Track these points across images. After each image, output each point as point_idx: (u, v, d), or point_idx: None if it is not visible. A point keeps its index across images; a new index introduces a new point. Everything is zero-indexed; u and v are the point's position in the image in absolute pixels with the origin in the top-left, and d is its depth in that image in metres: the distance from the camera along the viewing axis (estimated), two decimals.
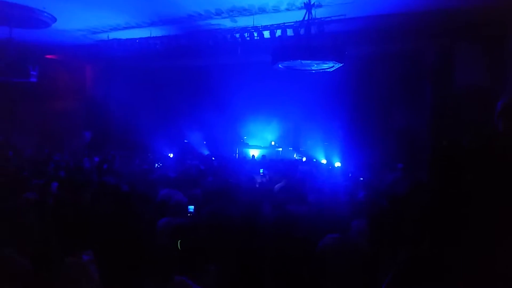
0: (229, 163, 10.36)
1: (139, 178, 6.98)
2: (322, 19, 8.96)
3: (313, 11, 8.10)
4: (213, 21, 10.27)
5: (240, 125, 15.31)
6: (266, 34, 10.21)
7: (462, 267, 2.12)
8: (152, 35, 11.45)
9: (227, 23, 10.35)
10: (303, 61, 7.44)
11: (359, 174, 8.57)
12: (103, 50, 12.30)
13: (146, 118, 14.49)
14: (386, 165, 9.75)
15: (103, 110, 15.65)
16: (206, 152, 14.99)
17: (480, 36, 9.72)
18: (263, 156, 13.47)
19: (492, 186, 2.24)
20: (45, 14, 9.70)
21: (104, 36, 11.77)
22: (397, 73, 12.03)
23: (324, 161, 13.10)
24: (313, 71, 8.32)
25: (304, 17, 8.03)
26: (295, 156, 14.56)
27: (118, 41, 11.82)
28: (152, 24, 10.73)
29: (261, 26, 10.12)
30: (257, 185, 7.40)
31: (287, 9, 9.14)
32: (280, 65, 7.85)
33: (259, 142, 15.61)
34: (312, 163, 12.60)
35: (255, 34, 10.26)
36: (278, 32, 9.99)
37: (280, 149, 15.21)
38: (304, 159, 13.78)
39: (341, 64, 7.48)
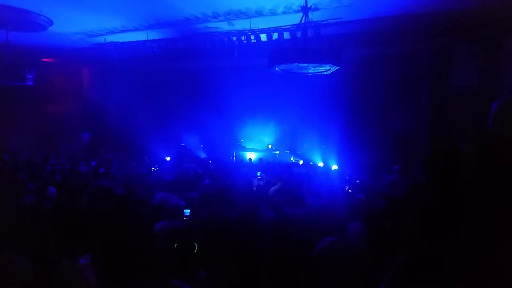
0: (226, 166, 10.34)
1: (136, 182, 6.95)
2: (319, 22, 8.98)
3: (310, 14, 8.11)
4: (210, 24, 10.28)
5: (237, 128, 15.32)
6: (263, 37, 10.23)
7: (460, 268, 2.12)
8: (149, 38, 11.45)
9: (224, 26, 10.36)
10: (300, 64, 7.45)
11: (356, 176, 8.58)
12: (100, 53, 12.28)
13: (143, 121, 14.47)
14: (384, 167, 9.77)
15: (100, 113, 15.63)
16: (203, 155, 14.98)
17: (477, 37, 9.77)
18: (260, 159, 13.46)
19: (489, 186, 2.24)
20: (42, 17, 9.69)
21: (101, 39, 11.76)
22: (394, 75, 12.06)
23: (321, 164, 13.11)
24: (310, 74, 8.33)
25: (301, 20, 8.05)
26: (292, 159, 14.56)
27: (115, 44, 11.81)
28: (149, 27, 10.73)
29: (258, 29, 10.14)
30: (254, 188, 7.40)
31: (284, 12, 9.16)
32: (277, 68, 7.85)
33: (256, 145, 15.61)
34: (309, 166, 12.60)
35: (252, 37, 10.28)
36: (275, 35, 10.02)
37: (277, 152, 15.22)
38: (301, 162, 13.78)
39: (338, 67, 7.49)
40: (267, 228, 4.36)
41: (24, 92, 12.42)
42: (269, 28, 10.04)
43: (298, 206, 4.91)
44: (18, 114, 13.75)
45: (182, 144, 15.78)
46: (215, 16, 9.68)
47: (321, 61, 7.37)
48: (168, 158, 13.61)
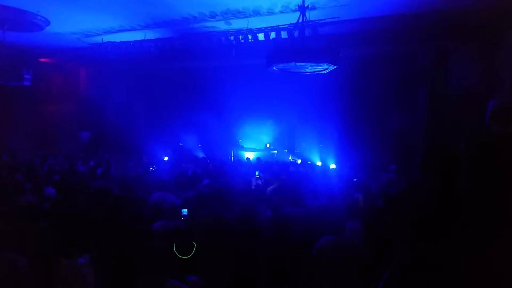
0: (225, 166, 10.34)
1: (133, 182, 6.94)
2: (316, 21, 8.99)
3: (307, 14, 8.12)
4: (208, 24, 10.27)
5: (235, 127, 15.32)
6: (261, 36, 10.23)
7: (457, 267, 2.12)
8: (146, 38, 11.44)
9: (221, 25, 10.35)
10: (297, 64, 7.44)
11: (354, 176, 8.59)
12: (97, 53, 12.27)
13: (141, 121, 14.46)
14: (381, 166, 9.78)
15: (97, 113, 15.61)
16: (201, 155, 14.97)
17: (475, 37, 9.78)
18: (258, 159, 13.46)
19: (486, 186, 2.25)
20: (39, 17, 9.66)
21: (98, 39, 11.73)
22: (392, 75, 12.06)
23: (319, 163, 13.12)
24: (308, 73, 8.32)
25: (298, 20, 8.04)
26: (290, 158, 14.57)
27: (112, 44, 11.79)
28: (146, 26, 10.71)
29: (256, 28, 10.13)
30: (253, 188, 7.40)
31: (282, 12, 9.16)
32: (274, 68, 7.85)
33: (254, 145, 15.61)
34: (307, 165, 12.61)
35: (250, 37, 10.27)
36: (273, 35, 10.02)
37: (275, 151, 15.22)
38: (299, 161, 13.79)
39: (335, 66, 7.49)
40: (266, 227, 4.37)
41: (22, 92, 12.40)
42: (267, 27, 10.04)
43: (296, 205, 4.92)
44: (15, 114, 13.73)
45: (180, 144, 15.77)
46: (213, 16, 9.67)
47: (318, 61, 7.37)
48: (166, 158, 13.60)
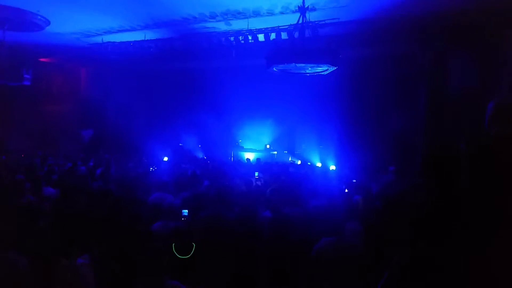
0: (224, 167, 10.34)
1: (133, 182, 6.94)
2: (316, 22, 9.00)
3: (307, 15, 8.12)
4: (208, 24, 10.27)
5: (235, 128, 15.31)
6: (261, 37, 10.23)
7: (457, 267, 2.12)
8: (146, 38, 11.44)
9: (221, 26, 10.36)
10: (297, 65, 7.45)
11: (353, 177, 8.59)
12: (97, 53, 12.27)
13: (141, 121, 14.46)
14: (381, 167, 9.78)
15: (97, 113, 15.60)
16: (201, 155, 14.97)
17: (474, 39, 9.79)
18: (258, 159, 13.47)
19: (486, 187, 2.25)
20: (39, 17, 9.67)
21: (98, 39, 11.74)
22: (392, 76, 12.06)
23: (319, 164, 13.11)
24: (308, 74, 8.33)
25: (298, 21, 8.06)
26: (290, 159, 14.57)
27: (112, 44, 11.80)
28: (146, 27, 10.71)
29: (256, 29, 10.14)
30: (253, 188, 7.40)
31: (282, 13, 9.17)
32: (274, 69, 7.85)
33: (254, 145, 15.61)
34: (307, 166, 12.61)
35: (250, 38, 10.28)
36: (273, 36, 10.02)
37: (275, 152, 15.22)
38: (299, 162, 13.79)
39: (335, 67, 7.50)
40: (265, 228, 4.37)
41: (22, 92, 12.40)
42: (267, 28, 10.05)
43: (296, 206, 4.92)
44: (15, 114, 13.73)
45: (180, 144, 15.77)
46: (213, 16, 9.67)
47: (318, 61, 7.38)
48: (166, 158, 13.59)
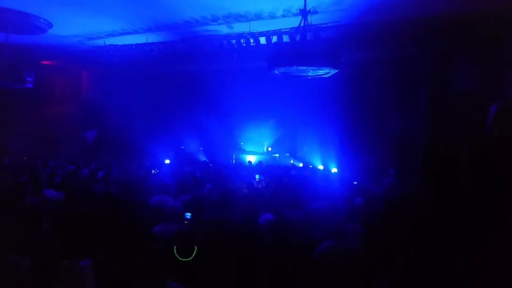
0: (226, 169, 10.34)
1: (135, 185, 6.95)
2: (318, 25, 9.00)
3: (308, 18, 8.13)
4: (210, 27, 10.30)
5: (237, 131, 15.32)
6: (262, 40, 10.25)
7: (458, 268, 2.12)
8: (148, 41, 11.46)
9: (223, 29, 10.38)
10: (299, 67, 7.46)
11: (355, 179, 8.59)
12: (99, 56, 12.30)
13: (143, 124, 14.47)
14: (382, 170, 9.78)
15: (99, 116, 15.62)
16: (203, 158, 14.97)
17: (475, 41, 9.79)
18: (260, 162, 13.46)
19: (488, 189, 2.25)
20: (41, 19, 9.70)
21: (100, 42, 11.77)
22: (393, 78, 12.06)
23: (320, 167, 13.11)
24: (309, 77, 8.34)
25: (300, 24, 8.06)
26: (291, 161, 14.56)
27: (115, 47, 11.83)
28: (148, 30, 10.74)
29: (257, 32, 10.16)
30: (255, 191, 7.39)
31: (283, 16, 9.18)
32: (276, 71, 7.86)
33: (255, 148, 15.61)
34: (309, 168, 12.60)
35: (251, 40, 10.30)
36: (274, 38, 10.04)
37: (277, 155, 15.21)
38: (300, 164, 13.78)
39: (337, 70, 7.50)
40: (267, 231, 4.37)
41: (24, 94, 12.42)
42: (268, 31, 10.07)
43: (297, 208, 4.92)
44: (17, 117, 13.75)
45: (182, 147, 15.78)
46: (215, 19, 9.70)
47: (320, 64, 7.38)
48: (168, 161, 13.60)
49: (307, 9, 8.05)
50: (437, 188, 2.50)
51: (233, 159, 15.17)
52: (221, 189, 5.73)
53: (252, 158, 14.71)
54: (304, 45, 8.10)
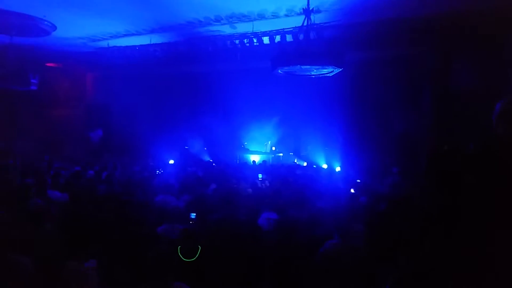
0: (230, 169, 10.35)
1: (139, 185, 6.97)
2: (321, 24, 8.99)
3: (312, 17, 8.12)
4: (213, 28, 10.31)
5: (240, 130, 15.31)
6: (266, 40, 10.25)
7: (462, 268, 2.11)
8: (152, 42, 11.49)
9: (226, 29, 10.39)
10: (302, 67, 7.46)
11: (359, 178, 8.57)
12: (103, 57, 12.34)
13: (147, 124, 14.49)
14: (386, 169, 9.75)
15: (103, 117, 15.68)
16: (207, 158, 14.99)
17: (477, 39, 9.74)
18: (264, 162, 13.46)
19: (492, 189, 2.23)
20: (45, 22, 9.75)
21: (104, 43, 11.81)
22: (397, 78, 12.02)
23: (325, 166, 13.09)
24: (313, 76, 8.33)
25: (303, 23, 8.05)
26: (295, 161, 14.55)
27: (118, 48, 11.87)
28: (151, 31, 10.77)
29: (261, 32, 10.16)
30: (259, 190, 7.40)
31: (286, 15, 9.18)
32: (279, 71, 7.86)
33: (259, 148, 15.61)
34: (313, 168, 12.59)
35: (255, 40, 10.30)
36: (278, 38, 10.04)
37: (281, 154, 15.21)
38: (304, 164, 13.77)
39: (341, 69, 7.49)
40: (271, 230, 4.36)
41: (28, 96, 12.48)
42: (272, 31, 10.06)
43: (302, 208, 4.91)
44: (22, 119, 13.82)
45: (186, 147, 15.80)
46: (218, 20, 9.70)
47: (323, 63, 7.38)
48: (172, 162, 13.62)
49: (310, 8, 8.04)
50: (441, 187, 2.48)
51: (237, 159, 15.17)
52: (226, 189, 5.73)
53: (256, 158, 14.72)
54: (307, 44, 8.08)
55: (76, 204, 5.20)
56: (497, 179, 2.22)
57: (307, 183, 7.24)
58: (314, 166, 13.13)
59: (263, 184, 8.16)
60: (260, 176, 8.69)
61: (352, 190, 6.79)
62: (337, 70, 7.61)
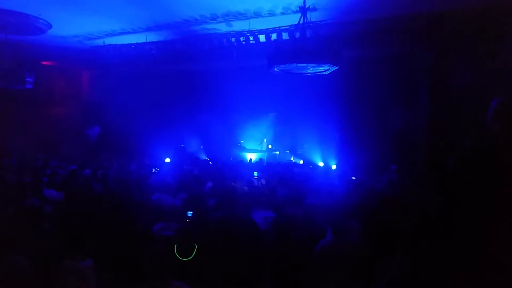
0: (227, 167, 10.34)
1: (135, 184, 6.95)
2: (318, 22, 8.98)
3: (308, 15, 8.11)
4: (209, 26, 10.29)
5: (237, 129, 15.30)
6: (262, 38, 10.24)
7: (459, 267, 2.12)
8: (148, 40, 11.46)
9: (222, 27, 10.37)
10: (298, 65, 7.46)
11: (355, 176, 8.59)
12: (99, 55, 12.30)
13: (143, 123, 14.45)
14: (383, 167, 9.77)
15: (99, 116, 15.63)
16: (203, 156, 14.97)
17: (475, 37, 9.77)
18: (260, 160, 13.47)
19: (489, 185, 2.25)
20: (41, 20, 9.70)
21: (99, 42, 11.77)
22: (393, 76, 12.04)
23: (321, 164, 13.11)
24: (309, 74, 8.33)
25: (299, 21, 8.05)
26: (292, 159, 14.57)
27: (114, 46, 11.83)
28: (147, 29, 10.74)
29: (257, 30, 10.15)
30: (255, 189, 7.40)
31: (282, 13, 9.17)
32: (276, 69, 7.86)
33: (256, 146, 15.61)
34: (309, 166, 12.60)
35: (251, 38, 10.29)
36: (274, 36, 10.03)
37: (277, 152, 15.21)
38: (301, 162, 13.79)
39: (337, 67, 7.50)
40: (269, 228, 4.37)
41: (24, 95, 12.43)
42: (268, 29, 10.05)
43: (299, 206, 4.91)
44: (17, 118, 13.76)
45: (182, 145, 15.78)
46: (214, 18, 9.68)
47: (320, 61, 7.38)
48: (168, 160, 13.61)
49: (307, 6, 8.04)
50: (437, 185, 2.49)
51: (233, 157, 15.17)
52: (223, 188, 5.73)
53: (252, 156, 14.72)
54: (303, 42, 8.08)
55: (72, 203, 5.19)
56: (493, 176, 2.23)
57: (304, 182, 7.24)
58: (311, 166, 13.13)
59: (259, 182, 8.16)
60: (255, 174, 8.68)
61: (349, 188, 6.80)
62: (333, 68, 7.62)
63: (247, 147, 15.57)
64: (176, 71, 15.20)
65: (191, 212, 4.60)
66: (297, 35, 8.47)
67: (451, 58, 10.80)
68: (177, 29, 10.55)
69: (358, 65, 11.59)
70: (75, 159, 11.95)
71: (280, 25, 9.79)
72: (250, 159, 14.14)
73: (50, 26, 10.13)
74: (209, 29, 10.51)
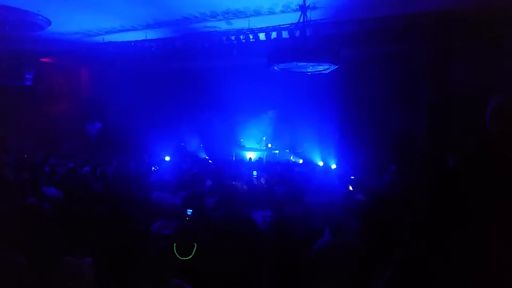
0: (226, 166, 10.34)
1: (135, 182, 6.95)
2: (317, 21, 8.98)
3: (308, 13, 8.11)
4: (209, 24, 10.27)
5: (236, 127, 15.30)
6: (262, 36, 10.22)
7: (458, 267, 2.12)
8: (147, 38, 11.44)
9: (222, 25, 10.35)
10: (298, 63, 7.46)
11: (354, 175, 8.59)
12: (98, 53, 12.27)
13: (142, 121, 14.46)
14: (382, 166, 9.78)
15: (99, 113, 15.62)
16: (203, 155, 14.98)
17: (475, 37, 9.77)
18: (260, 159, 13.47)
19: (488, 186, 2.24)
20: (40, 17, 9.68)
21: (99, 39, 11.74)
22: (393, 75, 12.05)
23: (320, 163, 13.11)
24: (309, 73, 8.34)
25: (299, 19, 8.05)
26: (291, 158, 14.57)
27: (113, 44, 11.80)
28: (147, 26, 10.71)
29: (257, 28, 10.13)
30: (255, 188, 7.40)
31: (282, 12, 9.15)
32: (275, 67, 7.86)
33: (255, 145, 15.61)
34: (309, 165, 12.60)
35: (251, 37, 10.27)
36: (274, 34, 10.01)
37: (277, 151, 15.21)
38: (300, 161, 13.79)
39: (336, 66, 7.50)
40: (268, 227, 4.37)
41: (23, 92, 12.42)
42: (268, 27, 10.04)
43: (299, 205, 4.92)
44: (17, 114, 13.74)
45: (182, 144, 15.78)
46: (214, 16, 9.67)
47: (319, 60, 7.39)
48: (168, 158, 13.61)
49: (307, 5, 8.03)
50: (435, 185, 2.49)
51: (233, 156, 15.17)
52: (222, 186, 5.73)
53: (252, 155, 14.72)
54: (303, 41, 8.09)
55: (71, 201, 5.18)
56: (493, 176, 2.23)
57: (304, 181, 7.24)
58: (310, 162, 13.13)
59: (259, 182, 8.16)
60: (254, 173, 8.68)
61: (350, 188, 6.81)
62: (333, 67, 7.62)
63: (247, 146, 15.57)
64: (175, 69, 15.20)
65: (191, 211, 4.60)
66: (297, 33, 8.47)
67: (451, 57, 10.81)
68: (176, 26, 10.54)
69: (358, 64, 11.61)
70: (75, 156, 11.94)
71: (280, 24, 9.78)
72: (250, 158, 14.14)
73: (49, 23, 10.10)
74: (209, 27, 10.49)
